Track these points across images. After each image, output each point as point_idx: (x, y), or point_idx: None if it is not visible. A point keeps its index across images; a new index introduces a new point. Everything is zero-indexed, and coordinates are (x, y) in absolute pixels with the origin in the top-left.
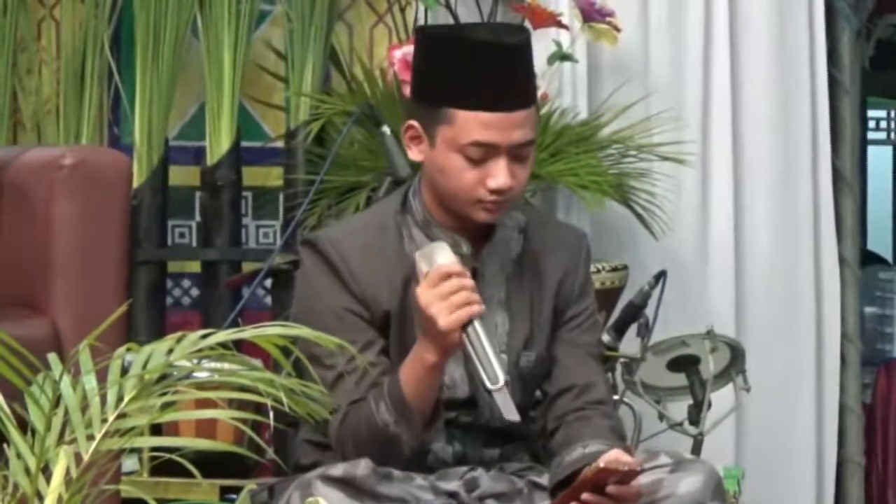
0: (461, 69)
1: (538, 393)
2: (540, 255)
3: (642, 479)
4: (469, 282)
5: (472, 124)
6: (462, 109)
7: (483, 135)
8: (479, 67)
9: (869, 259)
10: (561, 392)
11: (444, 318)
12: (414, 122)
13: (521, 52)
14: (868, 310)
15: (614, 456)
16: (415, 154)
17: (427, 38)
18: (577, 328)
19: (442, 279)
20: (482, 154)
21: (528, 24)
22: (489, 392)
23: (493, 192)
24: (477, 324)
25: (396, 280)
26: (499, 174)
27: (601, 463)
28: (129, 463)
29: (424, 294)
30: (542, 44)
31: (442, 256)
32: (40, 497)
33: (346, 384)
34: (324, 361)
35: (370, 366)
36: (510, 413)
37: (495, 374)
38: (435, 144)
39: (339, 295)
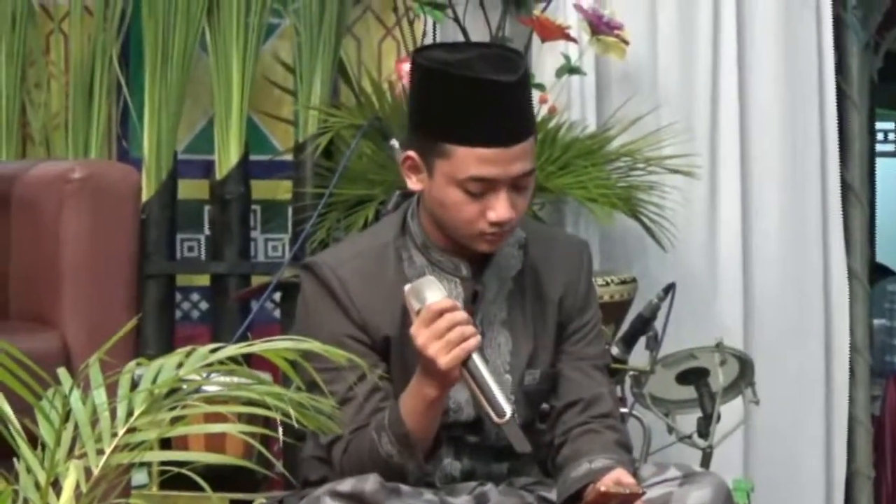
0: (458, 106)
1: (545, 405)
2: (541, 272)
3: (651, 493)
4: (462, 315)
5: (471, 160)
6: (460, 145)
7: (482, 170)
8: (476, 104)
9: (877, 271)
10: (567, 406)
11: (443, 358)
12: (412, 154)
13: (520, 87)
14: (877, 322)
15: (615, 478)
16: (414, 184)
17: (423, 72)
18: (582, 341)
19: (434, 318)
20: (482, 188)
21: (536, 36)
22: (497, 426)
23: (493, 224)
24: (476, 357)
25: (396, 305)
26: (499, 207)
27: (601, 487)
28: (139, 477)
29: (420, 334)
30: (550, 56)
31: (431, 293)
32: None
33: (347, 412)
34: (323, 389)
35: (372, 391)
36: (521, 445)
37: (501, 407)
38: (433, 177)
39: (339, 321)
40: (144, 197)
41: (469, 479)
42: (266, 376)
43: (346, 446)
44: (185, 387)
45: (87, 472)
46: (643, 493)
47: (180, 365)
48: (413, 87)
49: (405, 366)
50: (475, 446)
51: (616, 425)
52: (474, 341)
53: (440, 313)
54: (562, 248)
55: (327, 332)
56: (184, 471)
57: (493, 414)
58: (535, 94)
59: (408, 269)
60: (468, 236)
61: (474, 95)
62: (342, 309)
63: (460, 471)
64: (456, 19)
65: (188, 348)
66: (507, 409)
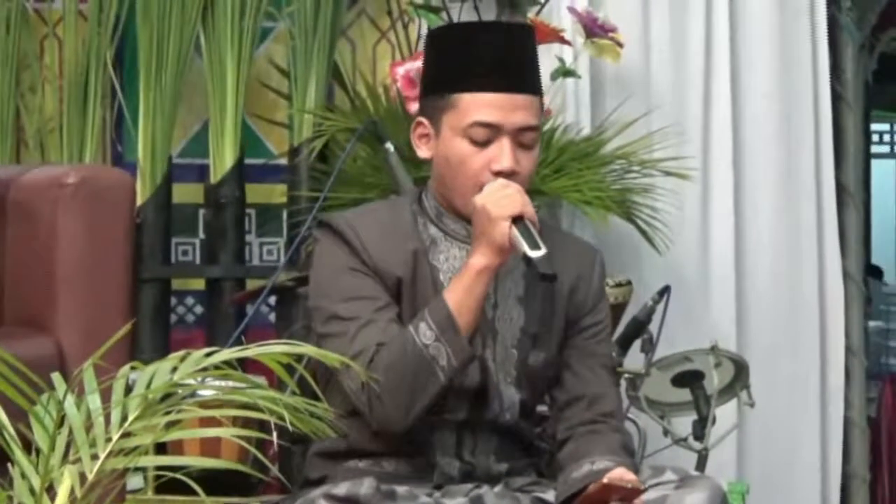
0: (463, 53)
1: (545, 408)
2: (553, 260)
3: (648, 496)
4: (527, 198)
5: (475, 105)
6: (465, 92)
7: (485, 115)
8: (479, 49)
9: (869, 272)
10: (572, 401)
11: (495, 206)
12: (422, 119)
13: (522, 34)
14: (872, 324)
15: (619, 474)
16: (423, 152)
17: (432, 35)
18: (592, 339)
19: (501, 187)
20: (485, 136)
21: None
22: (528, 260)
23: (497, 175)
24: (528, 223)
25: (408, 251)
26: (502, 157)
27: (605, 479)
28: (134, 481)
29: (481, 195)
30: (545, 60)
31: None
32: None
33: (373, 329)
34: (346, 316)
35: (393, 319)
36: (546, 268)
37: (538, 245)
38: (441, 135)
39: (353, 260)
40: (139, 201)
41: (468, 479)
42: (261, 380)
43: (373, 357)
44: (179, 391)
45: (82, 477)
46: (645, 490)
47: (175, 369)
48: (425, 55)
49: (416, 309)
50: (477, 431)
51: (620, 427)
52: (531, 209)
53: (507, 185)
54: (575, 245)
55: (345, 268)
56: (179, 475)
57: (528, 250)
58: None
59: (422, 233)
60: (473, 193)
61: (479, 41)
62: (356, 253)
63: (459, 470)
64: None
65: (182, 352)
66: (544, 248)
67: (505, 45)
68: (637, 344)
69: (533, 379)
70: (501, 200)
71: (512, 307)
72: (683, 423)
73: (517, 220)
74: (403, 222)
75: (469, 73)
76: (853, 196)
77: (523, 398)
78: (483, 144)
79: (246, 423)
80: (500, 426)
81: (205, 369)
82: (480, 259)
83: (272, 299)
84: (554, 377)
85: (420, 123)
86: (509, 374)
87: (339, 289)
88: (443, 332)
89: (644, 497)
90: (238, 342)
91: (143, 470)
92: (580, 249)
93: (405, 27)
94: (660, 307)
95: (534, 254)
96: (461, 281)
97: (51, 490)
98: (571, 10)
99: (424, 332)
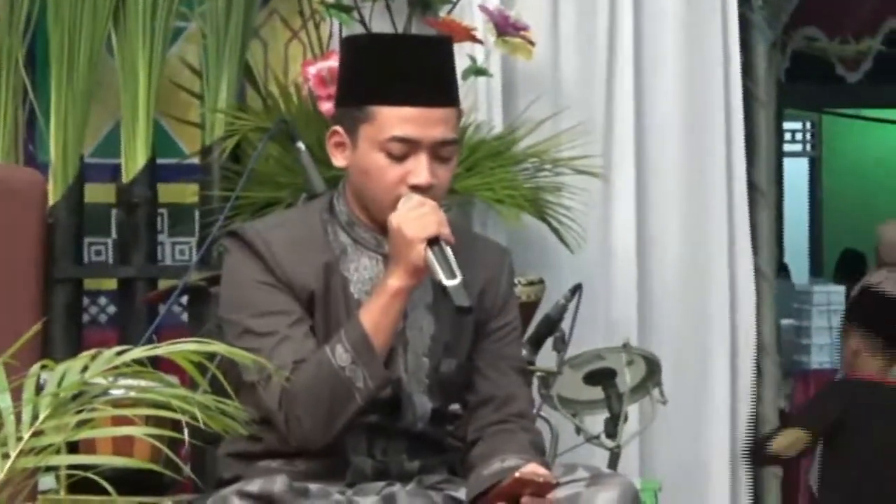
0: (382, 66)
1: (457, 406)
2: (462, 265)
3: (559, 493)
4: (443, 215)
5: (393, 119)
6: (382, 105)
7: (403, 129)
8: (398, 63)
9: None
10: (482, 403)
11: (411, 228)
12: (338, 128)
13: (440, 48)
14: (785, 322)
15: (531, 468)
16: (339, 160)
17: (350, 43)
18: (500, 341)
19: (416, 206)
20: (403, 150)
21: None
22: (444, 289)
23: (414, 188)
24: (444, 245)
25: (319, 264)
26: (420, 171)
27: (517, 473)
28: (47, 481)
29: (396, 215)
30: (456, 59)
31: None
32: None
33: (290, 345)
34: (260, 331)
35: (308, 334)
36: (462, 301)
37: (454, 273)
38: (358, 146)
39: (265, 275)
40: (51, 201)
41: (381, 477)
42: (173, 379)
43: (291, 374)
44: (90, 390)
45: None
46: (557, 485)
47: (86, 368)
48: (341, 63)
49: (329, 321)
50: (389, 435)
51: (530, 427)
52: (447, 230)
53: (423, 203)
54: (483, 248)
55: (256, 281)
56: (91, 475)
57: (443, 278)
58: None
59: (333, 242)
60: (389, 204)
61: (397, 54)
62: (267, 267)
63: (372, 468)
64: (362, 22)
65: (94, 351)
66: (460, 276)
67: (423, 59)
68: (549, 342)
69: (445, 386)
70: (417, 222)
71: (422, 316)
72: (596, 421)
73: (433, 241)
74: (314, 233)
75: (387, 86)
76: (765, 194)
77: (435, 406)
78: (400, 158)
79: (158, 422)
80: (411, 431)
81: (116, 368)
82: (396, 281)
83: (185, 299)
84: (466, 382)
85: (336, 132)
86: (421, 383)
87: (252, 303)
88: (359, 354)
89: (556, 494)
90: (150, 341)
91: (55, 469)
92: (489, 251)
93: (317, 27)
94: (572, 305)
95: (449, 283)
96: (377, 302)
97: None
98: (483, 8)
99: (341, 354)
